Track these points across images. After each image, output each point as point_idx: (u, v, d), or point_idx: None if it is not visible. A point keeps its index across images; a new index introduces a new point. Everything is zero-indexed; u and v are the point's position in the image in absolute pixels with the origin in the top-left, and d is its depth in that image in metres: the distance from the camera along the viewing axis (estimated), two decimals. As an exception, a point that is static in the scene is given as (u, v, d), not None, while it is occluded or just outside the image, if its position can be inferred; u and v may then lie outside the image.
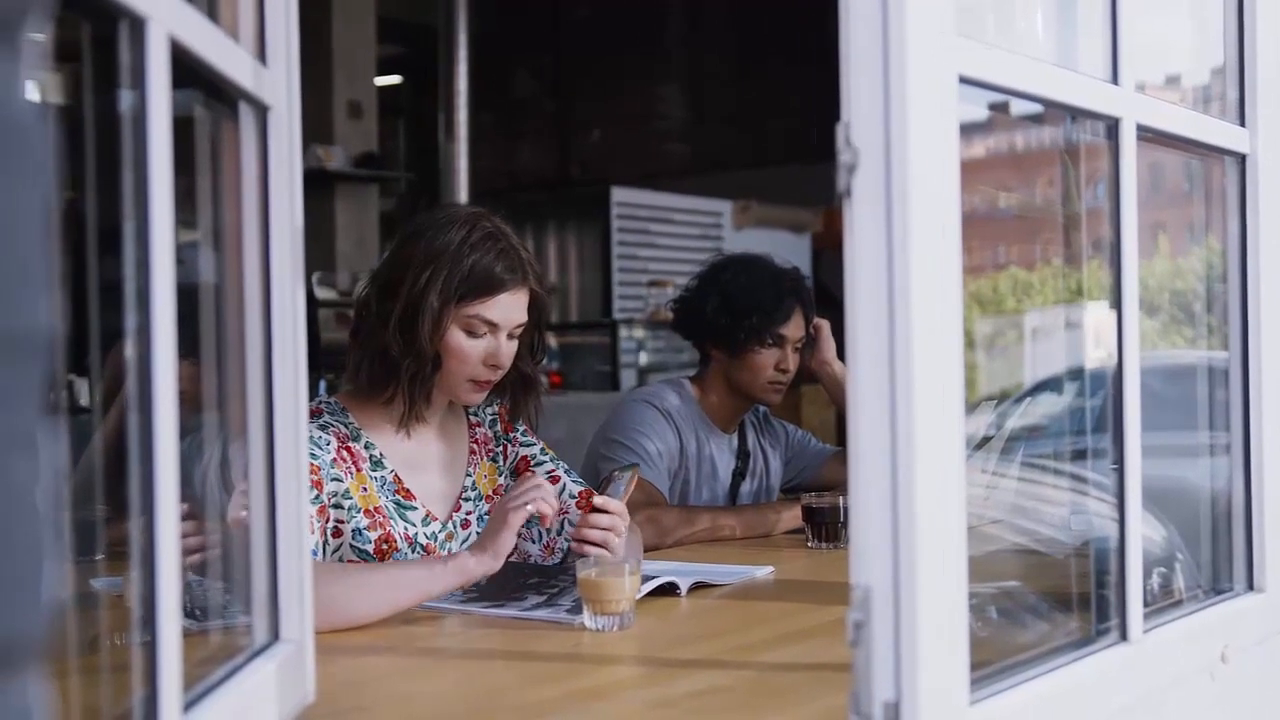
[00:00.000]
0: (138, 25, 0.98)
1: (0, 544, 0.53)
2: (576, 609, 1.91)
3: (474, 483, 2.36)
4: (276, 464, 1.37)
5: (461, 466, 2.36)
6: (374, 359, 2.21)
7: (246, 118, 1.33)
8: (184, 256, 1.07)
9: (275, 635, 1.37)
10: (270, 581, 1.36)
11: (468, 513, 2.33)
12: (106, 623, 1.38)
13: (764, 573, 2.36)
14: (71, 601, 1.27)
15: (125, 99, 1.00)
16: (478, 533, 2.30)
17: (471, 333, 2.20)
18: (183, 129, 1.06)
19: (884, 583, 1.17)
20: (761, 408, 3.19)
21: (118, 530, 1.16)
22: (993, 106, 1.49)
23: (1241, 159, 1.82)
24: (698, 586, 2.19)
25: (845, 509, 2.67)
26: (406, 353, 2.18)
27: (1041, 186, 2.04)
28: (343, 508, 2.15)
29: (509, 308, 2.22)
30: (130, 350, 1.00)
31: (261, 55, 1.34)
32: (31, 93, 0.56)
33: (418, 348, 2.17)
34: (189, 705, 1.08)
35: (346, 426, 2.23)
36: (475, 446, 2.39)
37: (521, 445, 2.43)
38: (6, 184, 0.51)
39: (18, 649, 0.54)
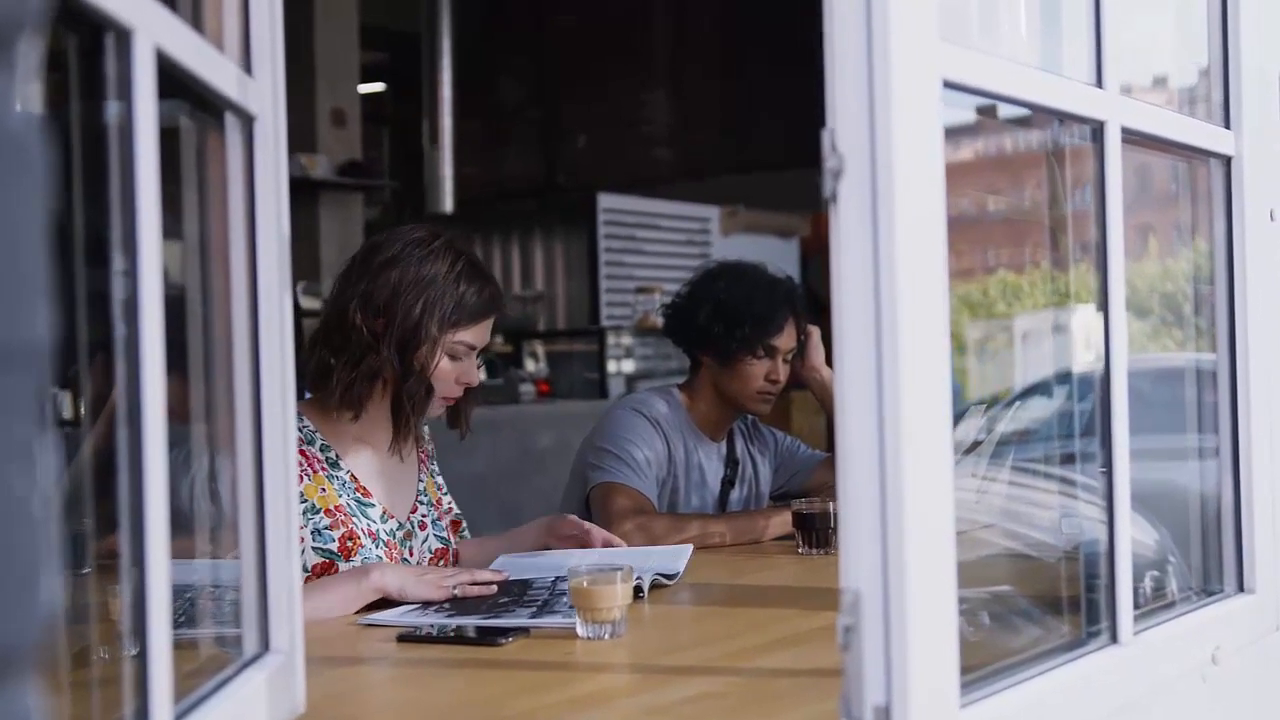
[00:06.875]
0: (124, 36, 0.98)
1: (1, 553, 0.53)
2: (573, 612, 1.90)
3: (424, 488, 2.46)
4: (265, 475, 1.36)
5: (414, 473, 2.45)
6: (364, 380, 2.26)
7: (232, 128, 1.33)
8: (169, 268, 1.07)
9: (265, 646, 1.36)
10: (260, 592, 1.36)
11: (423, 515, 2.43)
12: (89, 637, 1.37)
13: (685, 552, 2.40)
14: (64, 615, 1.27)
15: (111, 109, 1.00)
16: (434, 535, 2.43)
17: (453, 356, 2.30)
18: (167, 140, 1.06)
19: (873, 587, 1.17)
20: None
21: (107, 544, 1.16)
22: (980, 110, 1.49)
23: (1227, 161, 1.83)
24: (657, 586, 2.21)
25: (836, 514, 2.66)
26: (405, 378, 2.26)
27: (1030, 189, 2.04)
28: (298, 511, 2.17)
29: (488, 332, 2.35)
30: (118, 362, 0.99)
31: (247, 65, 1.34)
32: (27, 105, 0.57)
33: (416, 373, 2.26)
34: (179, 716, 1.08)
35: (301, 431, 2.26)
36: (424, 456, 2.49)
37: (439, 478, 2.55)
38: (5, 196, 0.51)
39: (17, 657, 0.55)
